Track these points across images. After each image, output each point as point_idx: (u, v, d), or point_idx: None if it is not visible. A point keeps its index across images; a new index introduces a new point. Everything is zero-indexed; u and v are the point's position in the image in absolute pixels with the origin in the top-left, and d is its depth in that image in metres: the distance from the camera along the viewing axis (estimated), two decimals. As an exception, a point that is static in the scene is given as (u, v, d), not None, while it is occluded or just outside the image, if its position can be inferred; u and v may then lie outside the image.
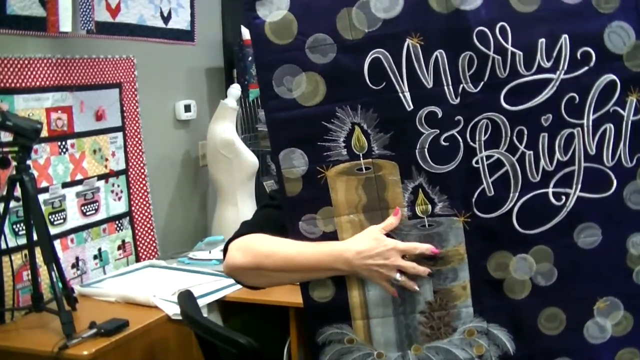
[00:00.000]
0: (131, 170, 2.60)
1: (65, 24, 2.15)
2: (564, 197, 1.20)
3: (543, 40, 1.16)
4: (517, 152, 1.19)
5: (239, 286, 2.27)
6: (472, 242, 1.22)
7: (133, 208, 2.61)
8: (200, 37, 2.97)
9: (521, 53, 1.16)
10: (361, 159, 1.22)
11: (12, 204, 1.97)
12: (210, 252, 2.63)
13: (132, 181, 2.61)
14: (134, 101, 2.61)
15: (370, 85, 1.19)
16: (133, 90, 2.60)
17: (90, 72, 2.39)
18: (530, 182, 1.20)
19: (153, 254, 2.68)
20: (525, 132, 1.19)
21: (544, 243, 1.21)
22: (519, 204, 1.20)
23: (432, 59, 1.18)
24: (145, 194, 2.67)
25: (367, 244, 1.21)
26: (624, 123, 1.18)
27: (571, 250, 1.20)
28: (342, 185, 1.23)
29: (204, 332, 1.69)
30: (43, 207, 2.11)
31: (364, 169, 1.22)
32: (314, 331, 1.28)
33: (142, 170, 2.66)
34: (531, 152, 1.19)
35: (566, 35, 1.16)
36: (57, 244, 2.22)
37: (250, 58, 2.99)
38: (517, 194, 1.20)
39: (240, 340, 1.54)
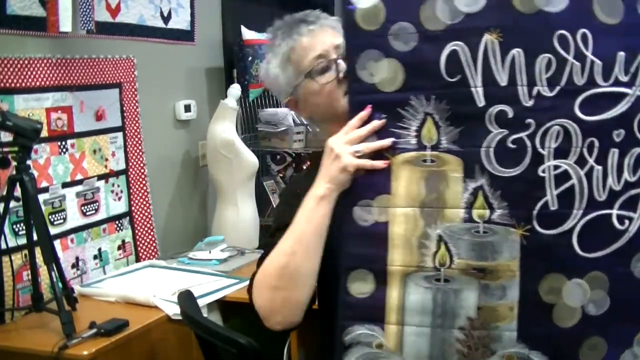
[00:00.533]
0: (131, 170, 2.60)
1: (65, 24, 2.15)
2: (627, 222, 1.13)
3: (623, 53, 1.12)
4: (585, 165, 1.13)
5: (239, 286, 2.29)
6: (526, 259, 1.14)
7: (133, 208, 2.61)
8: (200, 37, 2.97)
9: (600, 63, 1.12)
10: (428, 150, 1.18)
11: (12, 204, 1.97)
12: (210, 252, 2.63)
13: (132, 181, 2.61)
14: (134, 101, 2.61)
15: (445, 77, 1.17)
16: (133, 90, 2.60)
17: (90, 72, 2.39)
18: (596, 201, 1.13)
19: (153, 254, 2.68)
20: (597, 145, 1.13)
21: (601, 269, 1.13)
22: (581, 223, 1.13)
23: (508, 56, 1.14)
24: (145, 194, 2.67)
25: (324, 167, 1.23)
26: None
27: (626, 279, 1.13)
28: (405, 175, 1.19)
29: (204, 332, 1.69)
30: (43, 207, 2.11)
31: (429, 161, 1.18)
32: (342, 328, 1.21)
33: (142, 170, 2.66)
34: (600, 167, 1.13)
35: None
36: (57, 244, 2.22)
37: (250, 58, 2.99)
38: (581, 211, 1.13)
39: (240, 340, 1.54)
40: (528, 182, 1.14)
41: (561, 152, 1.13)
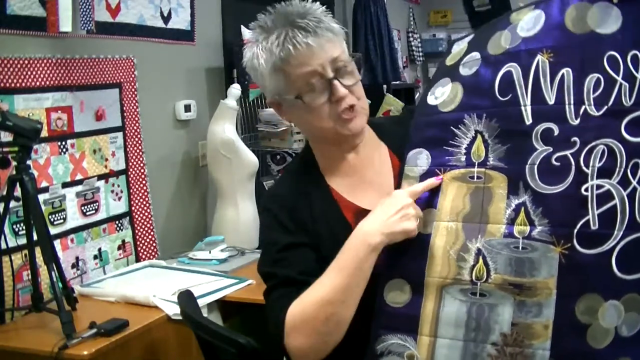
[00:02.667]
0: (131, 170, 2.60)
1: (65, 24, 2.15)
2: None
3: None
4: (629, 186, 1.11)
5: (239, 286, 2.29)
6: (564, 278, 1.12)
7: (133, 208, 2.61)
8: (200, 37, 2.97)
9: None
10: (475, 167, 1.21)
11: (12, 203, 1.97)
12: (210, 252, 2.63)
13: (132, 181, 2.61)
14: (134, 101, 2.61)
15: (498, 96, 1.20)
16: (133, 90, 2.60)
17: (90, 72, 2.39)
18: (637, 223, 1.11)
19: (153, 253, 2.69)
20: None
21: (637, 291, 1.11)
22: (621, 244, 1.11)
23: (558, 76, 1.16)
24: (145, 193, 2.67)
25: (376, 211, 1.19)
26: None
27: None
28: (453, 191, 1.21)
29: (204, 332, 1.69)
30: (43, 207, 2.11)
31: (475, 177, 1.20)
32: (375, 337, 1.21)
33: (142, 170, 2.66)
34: None
35: None
36: (57, 243, 2.22)
37: (250, 58, 2.99)
38: (621, 232, 1.11)
39: (239, 340, 1.55)
40: (570, 200, 1.13)
41: (605, 172, 1.12)
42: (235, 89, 2.87)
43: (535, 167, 1.16)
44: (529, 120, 1.17)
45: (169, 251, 2.75)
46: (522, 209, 1.16)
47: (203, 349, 1.77)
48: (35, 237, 1.94)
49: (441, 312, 1.18)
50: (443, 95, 1.26)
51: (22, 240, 2.00)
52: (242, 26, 3.01)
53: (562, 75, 1.16)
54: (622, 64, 1.13)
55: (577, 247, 1.12)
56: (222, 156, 2.82)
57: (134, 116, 2.61)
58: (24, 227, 2.00)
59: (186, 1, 2.88)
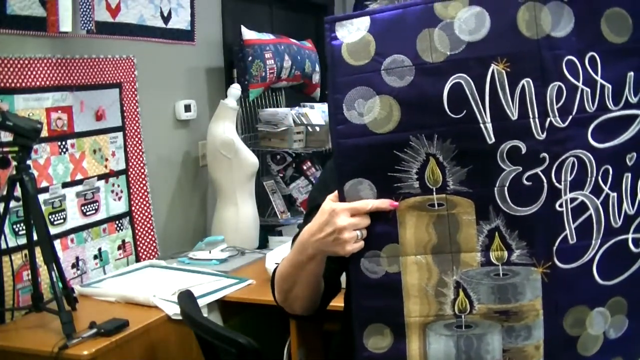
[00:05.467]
0: (131, 170, 2.60)
1: (65, 23, 2.15)
2: None
3: (632, 74, 1.07)
4: (601, 194, 1.09)
5: (239, 286, 2.29)
6: (549, 296, 1.09)
7: (133, 208, 2.61)
8: (200, 37, 2.97)
9: (610, 86, 1.07)
10: (434, 193, 1.10)
11: (12, 203, 1.97)
12: (210, 252, 2.63)
13: (132, 181, 2.61)
14: (134, 101, 2.61)
15: (449, 113, 1.08)
16: (133, 90, 2.60)
17: (90, 72, 2.39)
18: (612, 228, 1.09)
19: (153, 253, 2.68)
20: (611, 171, 1.08)
21: (620, 294, 1.11)
22: (600, 252, 1.09)
23: (518, 88, 1.07)
24: (145, 193, 2.67)
25: (315, 220, 1.14)
26: None
27: None
28: (412, 221, 1.12)
29: (204, 332, 1.69)
30: (43, 207, 2.11)
31: (436, 205, 1.11)
32: None
33: (142, 170, 2.66)
34: (615, 194, 1.09)
35: None
36: (57, 243, 2.22)
37: (250, 58, 2.99)
38: (599, 241, 1.09)
39: (240, 340, 1.55)
40: (546, 218, 1.09)
41: (577, 184, 1.09)
42: (235, 89, 2.87)
43: (506, 189, 1.09)
44: (491, 139, 1.08)
45: (169, 251, 2.75)
46: (496, 234, 1.10)
47: (203, 349, 1.77)
48: (35, 237, 1.94)
49: (428, 351, 1.13)
50: (371, 111, 1.11)
51: (22, 240, 2.00)
52: (242, 26, 3.02)
53: (523, 86, 1.07)
54: (580, 69, 1.07)
55: (558, 264, 1.09)
56: (222, 156, 2.82)
57: (134, 116, 2.61)
58: (24, 227, 2.00)
59: (186, 1, 2.87)
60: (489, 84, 1.08)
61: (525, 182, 1.08)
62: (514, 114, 1.08)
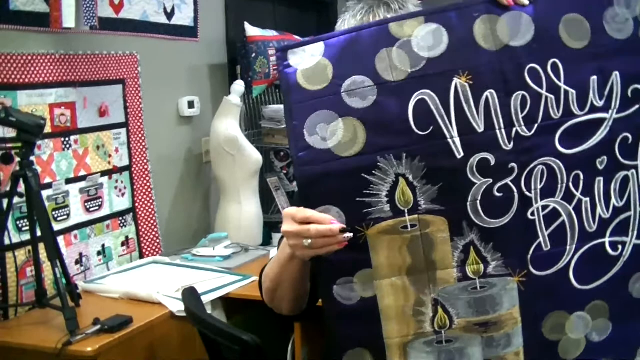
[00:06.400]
0: (134, 166, 2.60)
1: (69, 19, 2.14)
2: (620, 247, 1.11)
3: (595, 77, 1.08)
4: (573, 200, 1.09)
5: (243, 283, 2.29)
6: (526, 304, 1.10)
7: (136, 204, 2.61)
8: (203, 34, 2.96)
9: (574, 91, 1.08)
10: (406, 215, 1.09)
11: (16, 200, 1.96)
12: (214, 249, 2.63)
13: (136, 177, 2.60)
14: (138, 97, 2.60)
15: (416, 130, 1.07)
16: (136, 86, 2.60)
17: (93, 68, 2.38)
18: (587, 233, 1.10)
19: (156, 250, 2.68)
20: (582, 177, 1.09)
21: (600, 298, 1.11)
22: (576, 257, 1.10)
23: (482, 100, 1.07)
24: (149, 190, 2.67)
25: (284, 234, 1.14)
26: None
27: (626, 302, 1.12)
28: (384, 246, 1.09)
29: (208, 329, 1.68)
30: (46, 203, 2.11)
31: (409, 226, 1.09)
32: None
33: (146, 167, 2.65)
34: (588, 199, 1.10)
35: (617, 72, 1.09)
36: (60, 240, 2.21)
37: (253, 54, 2.98)
38: (574, 246, 1.10)
39: (243, 337, 1.54)
40: (519, 228, 1.09)
41: (548, 191, 1.09)
42: (238, 86, 2.87)
43: (478, 202, 1.08)
44: (460, 154, 1.08)
45: (173, 248, 2.75)
46: (471, 248, 1.09)
47: (206, 345, 1.77)
48: (38, 233, 1.94)
49: None
50: (335, 135, 1.08)
51: (26, 237, 2.00)
52: (245, 22, 3.01)
53: (487, 98, 1.07)
54: (543, 76, 1.08)
55: (534, 271, 1.10)
56: (225, 153, 2.81)
57: (137, 112, 2.60)
58: (27, 223, 2.00)
59: (190, -3, 2.87)
60: (453, 97, 1.07)
61: (496, 193, 1.09)
62: (480, 126, 1.08)
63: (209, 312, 2.06)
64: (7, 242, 1.98)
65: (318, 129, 1.08)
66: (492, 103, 1.08)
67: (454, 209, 1.09)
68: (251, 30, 3.00)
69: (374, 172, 1.08)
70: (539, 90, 1.08)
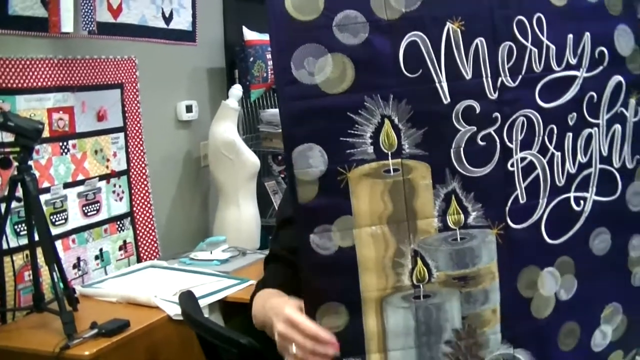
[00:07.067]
0: (132, 170, 2.60)
1: (67, 24, 2.15)
2: (582, 202, 1.13)
3: (571, 36, 1.11)
4: (547, 153, 1.11)
5: (240, 287, 2.29)
6: (503, 258, 1.09)
7: (134, 208, 2.61)
8: (201, 38, 2.97)
9: (554, 47, 1.09)
10: (389, 158, 1.06)
11: (14, 204, 1.96)
12: (211, 253, 2.63)
13: (134, 181, 2.61)
14: (136, 101, 2.61)
15: (405, 72, 1.04)
16: (134, 90, 2.60)
17: (91, 73, 2.39)
18: (557, 187, 1.12)
19: (154, 254, 2.68)
20: (555, 131, 1.11)
21: (566, 253, 1.13)
22: (547, 211, 1.11)
23: (472, 47, 1.06)
24: (147, 194, 2.67)
25: (279, 303, 1.16)
26: (627, 124, 1.16)
27: (588, 259, 1.14)
28: (366, 190, 1.06)
29: (205, 332, 1.69)
30: (44, 208, 2.11)
31: (392, 170, 1.06)
32: None
33: (144, 171, 2.66)
34: (559, 153, 1.11)
35: (588, 33, 1.11)
36: (58, 244, 2.21)
37: (251, 58, 2.99)
38: (545, 200, 1.11)
39: (241, 340, 1.54)
40: (499, 178, 1.09)
41: (526, 144, 1.10)
42: (236, 90, 2.87)
43: (462, 150, 1.07)
44: (446, 99, 1.06)
45: (171, 252, 2.75)
46: (453, 197, 1.08)
47: (204, 349, 1.77)
48: (36, 238, 1.94)
49: (387, 324, 1.09)
50: (323, 71, 1.03)
51: (24, 241, 2.00)
52: (243, 27, 3.02)
53: (476, 45, 1.06)
54: (529, 29, 1.09)
55: (511, 224, 1.10)
56: (223, 157, 2.81)
57: (135, 116, 2.61)
58: (25, 228, 2.00)
59: (188, 2, 2.87)
60: (445, 42, 1.05)
61: (479, 142, 1.08)
62: (468, 73, 1.07)
63: (206, 315, 2.06)
64: (4, 246, 1.98)
65: (306, 63, 1.04)
66: (482, 51, 1.07)
67: (438, 155, 1.07)
68: (249, 35, 3.01)
69: (360, 111, 1.05)
70: (525, 42, 1.09)
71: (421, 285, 1.09)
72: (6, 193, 1.95)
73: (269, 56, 3.03)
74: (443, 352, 1.10)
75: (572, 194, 1.13)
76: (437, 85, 1.06)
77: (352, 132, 1.05)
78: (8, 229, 2.01)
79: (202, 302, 2.06)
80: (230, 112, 2.84)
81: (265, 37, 3.08)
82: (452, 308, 1.09)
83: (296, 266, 1.16)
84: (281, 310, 1.12)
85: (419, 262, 1.09)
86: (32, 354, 1.81)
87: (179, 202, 2.90)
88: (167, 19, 2.76)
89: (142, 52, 2.63)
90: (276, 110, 3.18)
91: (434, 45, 1.05)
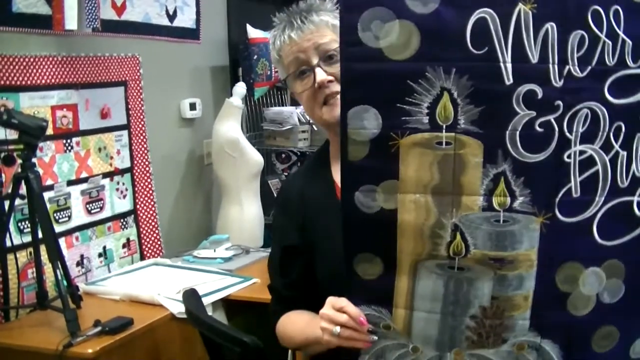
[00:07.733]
0: (136, 168, 2.60)
1: (71, 22, 2.15)
2: None
3: None
4: (611, 151, 1.07)
5: (243, 285, 2.29)
6: (545, 248, 1.08)
7: (138, 206, 2.61)
8: (205, 36, 2.97)
9: (631, 42, 1.05)
10: (443, 131, 1.06)
11: (17, 201, 1.97)
12: (215, 251, 2.63)
13: (137, 179, 2.61)
14: (139, 99, 2.61)
15: (471, 48, 1.03)
16: (138, 88, 2.60)
17: (95, 70, 2.39)
18: (618, 188, 1.08)
19: (158, 252, 2.69)
20: (623, 129, 1.07)
21: (618, 257, 1.10)
22: (602, 210, 1.08)
23: (542, 30, 1.03)
24: (150, 192, 2.67)
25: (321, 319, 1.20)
26: None
27: None
28: (415, 159, 1.07)
29: (208, 330, 1.68)
30: (48, 205, 2.11)
31: (444, 143, 1.06)
32: None
33: (147, 169, 2.66)
34: (625, 152, 1.07)
35: None
36: (62, 241, 2.22)
37: (255, 56, 2.98)
38: (602, 198, 1.08)
39: (244, 338, 1.54)
40: (553, 168, 1.07)
41: (588, 137, 1.07)
42: (240, 88, 2.87)
43: (517, 133, 1.05)
44: (509, 80, 1.04)
45: (174, 249, 2.75)
46: (502, 178, 1.06)
47: (207, 347, 1.77)
48: (40, 235, 1.94)
49: (417, 286, 1.12)
50: (389, 36, 1.04)
51: (27, 238, 2.00)
52: (247, 24, 3.01)
53: (547, 30, 1.04)
54: (605, 20, 1.05)
55: (559, 216, 1.08)
56: (227, 155, 2.81)
57: (139, 114, 2.61)
58: (29, 225, 2.00)
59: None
60: (514, 23, 1.04)
61: (537, 128, 1.05)
62: (534, 57, 1.04)
63: (209, 313, 2.06)
64: (8, 243, 1.98)
65: (372, 26, 1.05)
66: (551, 36, 1.04)
67: (492, 135, 1.06)
68: (253, 32, 3.00)
69: (420, 80, 1.05)
70: (599, 33, 1.05)
71: (457, 258, 1.10)
72: (10, 190, 1.95)
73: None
74: (467, 325, 1.11)
75: (635, 198, 1.09)
76: (502, 64, 1.04)
77: (410, 100, 1.06)
78: (11, 227, 2.01)
79: (206, 300, 2.06)
80: (233, 110, 2.84)
81: (269, 35, 3.08)
82: (484, 286, 1.10)
83: (308, 302, 1.30)
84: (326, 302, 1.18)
85: (458, 236, 1.09)
86: (35, 352, 1.82)
87: (182, 200, 2.90)
88: (171, 17, 2.76)
89: (146, 50, 2.63)
90: (279, 109, 3.17)
91: (503, 24, 1.04)
